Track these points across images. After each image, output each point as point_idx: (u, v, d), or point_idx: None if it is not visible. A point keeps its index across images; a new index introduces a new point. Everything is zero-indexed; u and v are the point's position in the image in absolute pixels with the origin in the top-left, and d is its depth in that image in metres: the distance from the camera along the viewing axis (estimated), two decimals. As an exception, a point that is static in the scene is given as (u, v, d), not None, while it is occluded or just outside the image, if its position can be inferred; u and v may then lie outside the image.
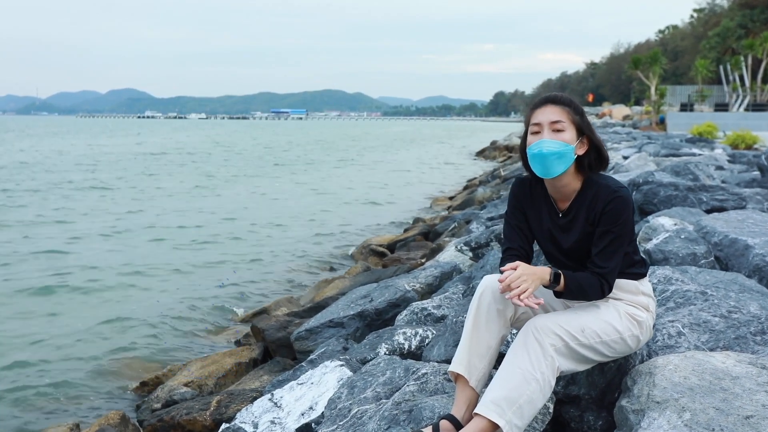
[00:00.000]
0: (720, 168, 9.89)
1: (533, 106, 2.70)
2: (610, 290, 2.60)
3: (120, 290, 9.64)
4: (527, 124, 2.70)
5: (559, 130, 2.60)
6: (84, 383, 6.41)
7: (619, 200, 2.56)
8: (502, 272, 2.52)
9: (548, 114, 2.62)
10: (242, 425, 3.66)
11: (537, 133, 2.63)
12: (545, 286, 2.54)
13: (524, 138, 2.73)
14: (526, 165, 2.74)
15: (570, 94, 2.77)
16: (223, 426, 3.80)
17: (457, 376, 2.61)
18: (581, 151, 2.64)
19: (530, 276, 2.46)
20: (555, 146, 2.57)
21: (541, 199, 2.76)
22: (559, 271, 2.55)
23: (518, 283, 2.43)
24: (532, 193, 2.78)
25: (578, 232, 2.65)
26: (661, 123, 32.23)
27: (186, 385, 5.62)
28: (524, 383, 2.40)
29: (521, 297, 2.40)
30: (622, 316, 2.62)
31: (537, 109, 2.67)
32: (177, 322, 8.22)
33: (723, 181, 8.26)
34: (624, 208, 2.56)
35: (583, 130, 2.65)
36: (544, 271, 2.51)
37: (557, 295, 2.62)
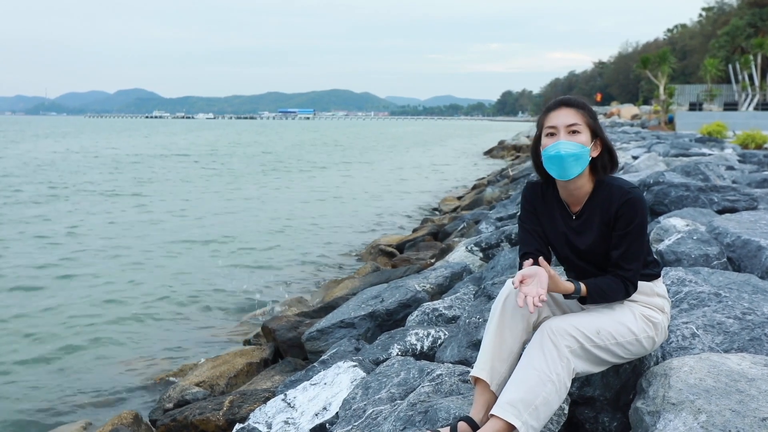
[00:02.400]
0: (730, 168, 9.85)
1: (547, 109, 2.71)
2: (634, 290, 2.63)
3: (130, 290, 9.69)
4: (541, 127, 2.71)
5: (575, 132, 2.62)
6: (96, 382, 6.45)
7: (632, 201, 2.58)
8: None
9: (563, 117, 2.64)
10: (256, 425, 3.67)
11: (552, 135, 2.64)
12: (566, 297, 2.58)
13: (536, 141, 2.74)
14: (538, 168, 2.76)
15: (578, 94, 2.79)
16: (237, 426, 3.81)
17: (477, 380, 2.62)
18: (595, 153, 2.66)
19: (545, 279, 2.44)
20: (572, 148, 2.58)
21: (553, 203, 2.77)
22: (580, 284, 2.57)
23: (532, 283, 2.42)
24: (544, 196, 2.79)
25: (593, 234, 2.66)
26: (670, 122, 32.13)
27: (198, 384, 5.64)
28: (540, 384, 2.41)
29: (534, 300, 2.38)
30: (637, 317, 2.62)
31: (551, 111, 2.68)
32: (187, 321, 8.26)
33: (734, 182, 8.23)
34: (639, 208, 2.58)
35: (597, 132, 2.67)
36: (567, 285, 2.55)
37: (581, 301, 2.63)
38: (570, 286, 2.54)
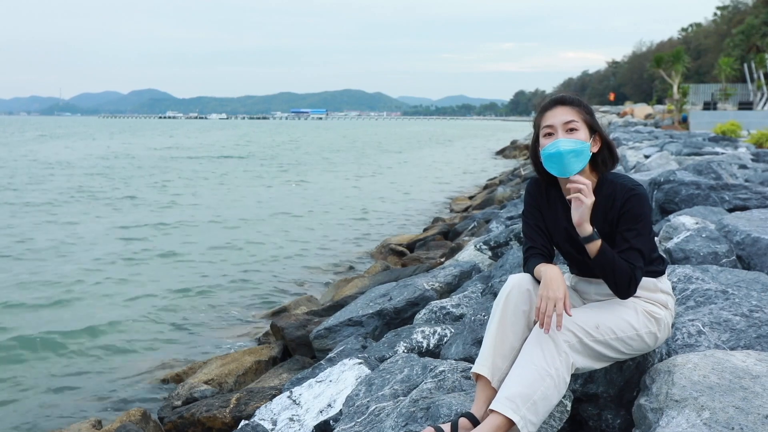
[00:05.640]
0: (743, 167, 9.75)
1: (543, 109, 2.70)
2: (635, 288, 2.56)
3: (140, 289, 9.74)
4: (537, 127, 2.70)
5: (573, 129, 2.60)
6: (105, 380, 6.49)
7: (636, 198, 2.56)
8: (533, 273, 2.61)
9: (560, 115, 2.62)
10: (261, 422, 3.69)
11: (550, 135, 2.63)
12: (583, 238, 2.53)
13: (534, 142, 2.73)
14: (538, 169, 2.76)
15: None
16: (242, 423, 3.82)
17: (479, 376, 2.61)
18: (595, 149, 2.66)
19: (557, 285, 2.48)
20: (571, 144, 2.57)
21: (556, 200, 2.76)
22: (599, 238, 2.53)
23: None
24: (547, 193, 2.79)
25: (596, 231, 2.64)
26: (684, 122, 31.87)
27: (206, 382, 5.66)
28: (538, 379, 2.40)
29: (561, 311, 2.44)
30: (639, 313, 2.61)
31: (547, 111, 2.66)
32: (197, 320, 8.30)
33: (746, 180, 8.14)
34: (642, 205, 2.57)
35: (595, 128, 2.66)
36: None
37: (591, 263, 2.58)
38: (590, 229, 2.52)
